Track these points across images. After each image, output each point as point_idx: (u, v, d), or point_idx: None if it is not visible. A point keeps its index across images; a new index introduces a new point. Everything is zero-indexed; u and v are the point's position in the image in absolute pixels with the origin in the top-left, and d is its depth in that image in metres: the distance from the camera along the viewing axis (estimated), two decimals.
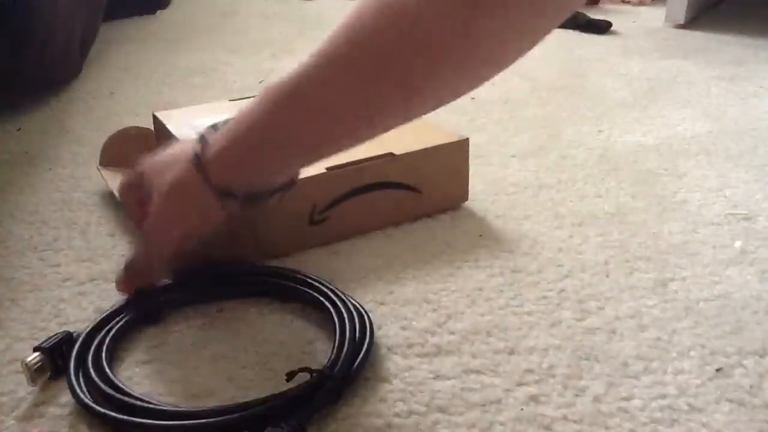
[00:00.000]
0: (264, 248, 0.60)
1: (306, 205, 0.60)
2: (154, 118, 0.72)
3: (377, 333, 0.51)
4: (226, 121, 0.49)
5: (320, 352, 0.49)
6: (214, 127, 0.49)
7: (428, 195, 0.66)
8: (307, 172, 0.55)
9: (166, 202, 0.51)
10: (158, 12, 1.53)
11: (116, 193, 0.63)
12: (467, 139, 0.67)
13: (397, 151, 0.64)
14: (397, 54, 0.41)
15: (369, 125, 0.46)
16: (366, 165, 0.62)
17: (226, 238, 0.55)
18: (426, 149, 0.65)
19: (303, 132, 0.46)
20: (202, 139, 0.48)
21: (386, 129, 0.46)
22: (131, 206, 0.56)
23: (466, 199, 0.70)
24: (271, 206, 0.53)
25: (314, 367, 0.45)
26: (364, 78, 0.42)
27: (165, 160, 0.52)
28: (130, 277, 0.54)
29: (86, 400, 0.44)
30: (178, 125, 0.69)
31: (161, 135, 0.72)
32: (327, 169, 0.60)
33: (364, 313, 0.51)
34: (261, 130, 0.46)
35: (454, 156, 0.67)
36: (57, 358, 0.47)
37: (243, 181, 0.48)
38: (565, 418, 0.43)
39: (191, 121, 0.69)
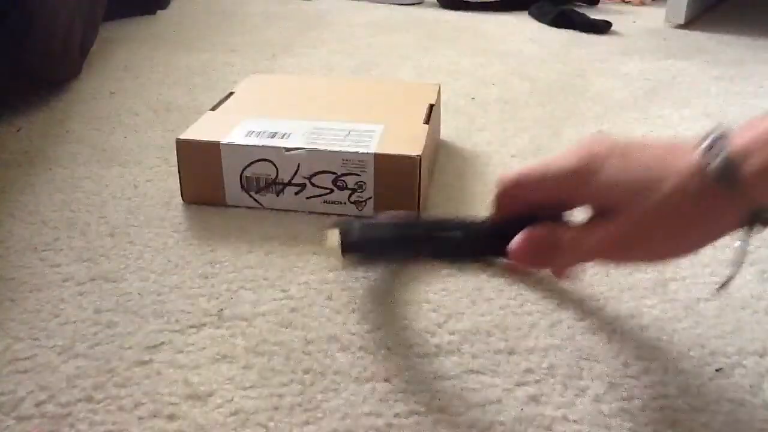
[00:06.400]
0: None
1: None
2: (180, 143, 0.67)
3: (377, 333, 0.51)
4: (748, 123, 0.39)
5: (320, 352, 0.49)
6: (718, 132, 0.39)
7: None
8: None
9: (658, 216, 0.40)
10: (158, 12, 1.53)
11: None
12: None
13: None
14: None
15: None
16: None
17: None
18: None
19: None
20: (717, 146, 0.38)
21: None
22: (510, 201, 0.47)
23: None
24: None
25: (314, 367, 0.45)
26: None
27: (639, 164, 0.41)
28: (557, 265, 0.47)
29: None
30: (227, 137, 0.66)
31: (193, 159, 0.68)
32: None
33: None
34: None
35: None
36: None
37: None
38: (565, 418, 0.43)
39: (232, 131, 0.67)
